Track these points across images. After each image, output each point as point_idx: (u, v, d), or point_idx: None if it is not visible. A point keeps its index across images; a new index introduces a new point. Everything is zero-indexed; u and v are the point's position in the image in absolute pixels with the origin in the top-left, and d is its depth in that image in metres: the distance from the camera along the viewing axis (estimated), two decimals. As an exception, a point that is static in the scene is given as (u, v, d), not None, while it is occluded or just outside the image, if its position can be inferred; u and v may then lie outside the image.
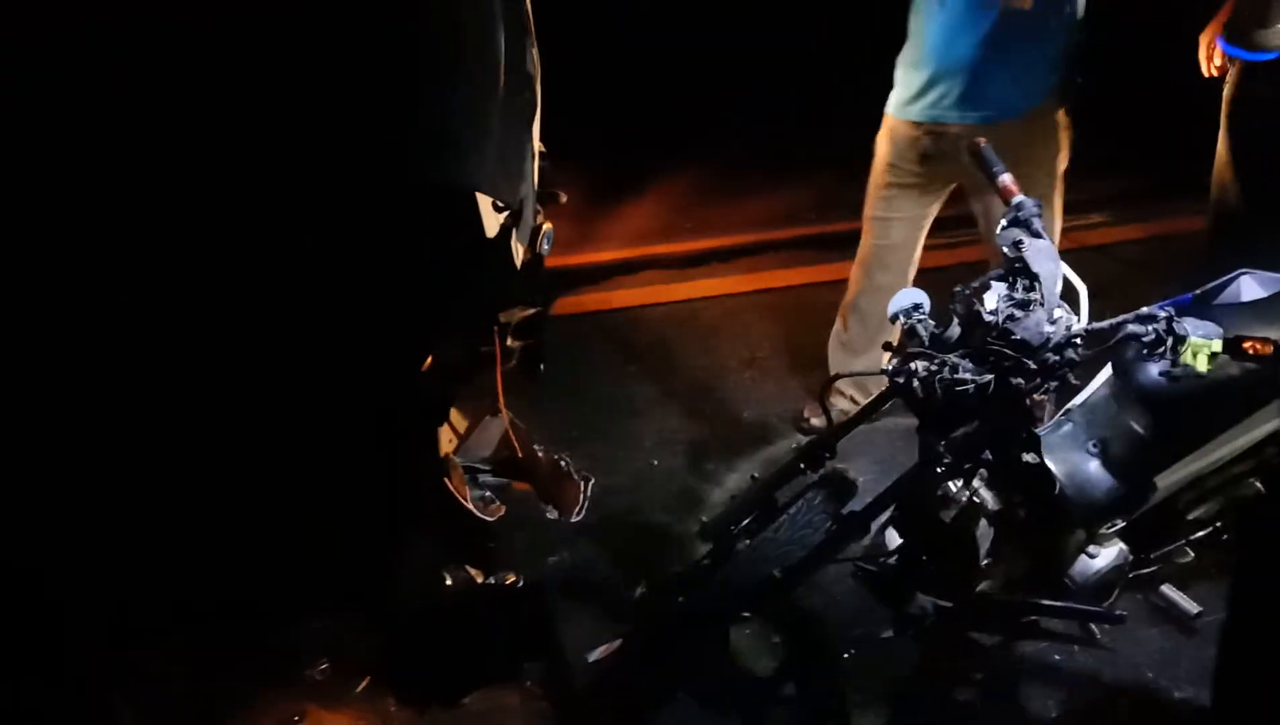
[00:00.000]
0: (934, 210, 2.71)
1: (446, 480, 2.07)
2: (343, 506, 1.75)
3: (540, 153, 2.23)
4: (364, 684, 2.06)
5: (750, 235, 4.07)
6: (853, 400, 2.79)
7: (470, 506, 2.12)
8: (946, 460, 1.80)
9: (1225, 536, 2.25)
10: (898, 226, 2.69)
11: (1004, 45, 2.40)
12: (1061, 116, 2.55)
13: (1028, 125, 2.48)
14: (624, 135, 4.56)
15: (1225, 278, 1.74)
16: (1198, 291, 1.73)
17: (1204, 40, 2.67)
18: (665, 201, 4.41)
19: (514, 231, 1.72)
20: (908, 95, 2.55)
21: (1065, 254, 1.79)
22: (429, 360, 1.71)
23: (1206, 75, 2.67)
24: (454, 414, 2.04)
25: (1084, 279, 1.77)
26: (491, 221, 1.58)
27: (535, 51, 1.78)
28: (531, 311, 1.88)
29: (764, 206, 4.20)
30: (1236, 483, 2.25)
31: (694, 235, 4.15)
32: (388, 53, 1.34)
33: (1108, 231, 4.08)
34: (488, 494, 2.21)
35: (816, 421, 2.87)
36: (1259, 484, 2.28)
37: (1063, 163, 2.60)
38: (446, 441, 2.03)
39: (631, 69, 4.82)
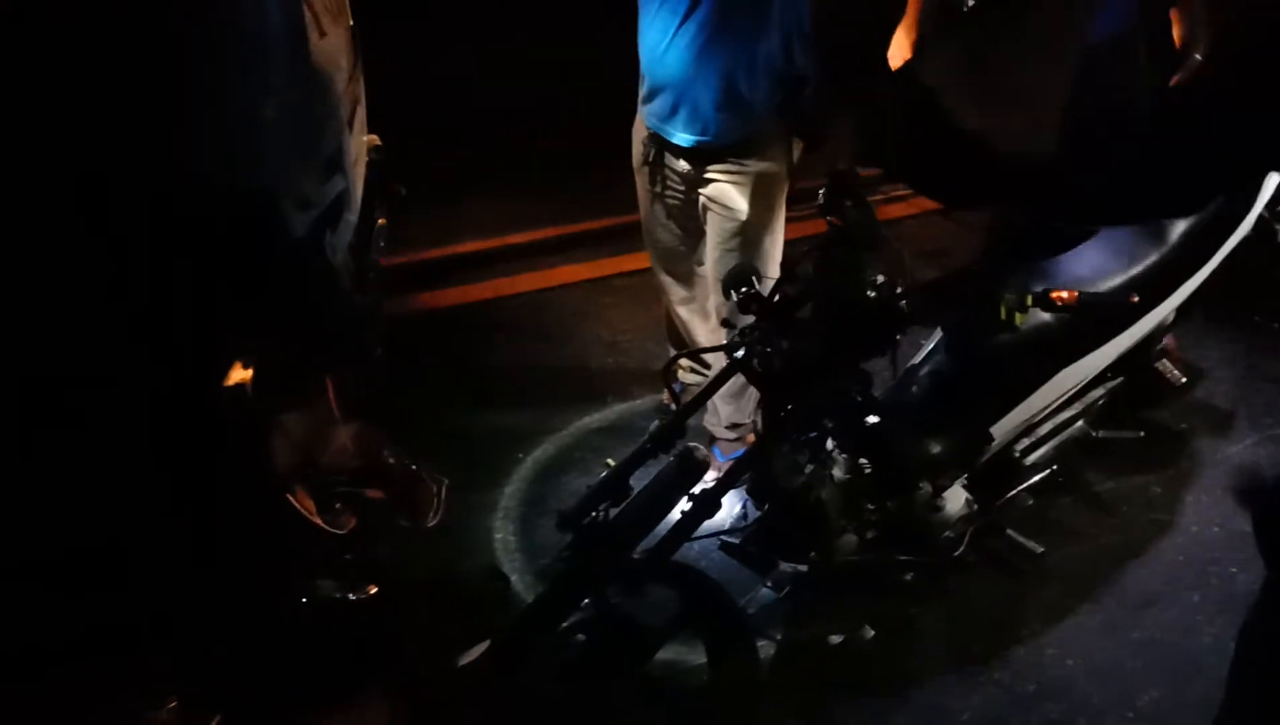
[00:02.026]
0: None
1: (290, 495, 1.98)
2: (143, 531, 1.64)
3: (374, 146, 2.15)
4: (215, 721, 1.95)
5: (606, 220, 4.05)
6: (703, 372, 2.81)
7: (318, 520, 2.04)
8: (790, 429, 1.83)
9: (1060, 479, 2.38)
10: (662, 232, 2.57)
11: (706, 57, 2.22)
12: (781, 154, 2.34)
13: (742, 155, 2.31)
14: (473, 126, 4.49)
15: (1039, 234, 1.84)
16: (1012, 248, 1.81)
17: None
18: (519, 190, 4.36)
19: (331, 231, 1.64)
20: (642, 95, 2.43)
21: (906, 219, 1.86)
22: (243, 372, 1.61)
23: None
24: (293, 424, 1.95)
25: (922, 241, 1.83)
26: (298, 222, 1.50)
27: (352, 43, 1.71)
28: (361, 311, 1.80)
29: (618, 191, 4.20)
30: (1066, 427, 2.39)
31: (550, 223, 4.12)
32: (141, 50, 1.25)
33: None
34: (338, 506, 2.13)
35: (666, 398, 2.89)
36: (1089, 427, 2.42)
37: (779, 207, 2.42)
38: (285, 454, 1.94)
39: (483, 60, 4.75)
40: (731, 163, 2.32)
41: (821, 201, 1.80)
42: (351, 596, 2.15)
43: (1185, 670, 2.14)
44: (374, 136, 2.16)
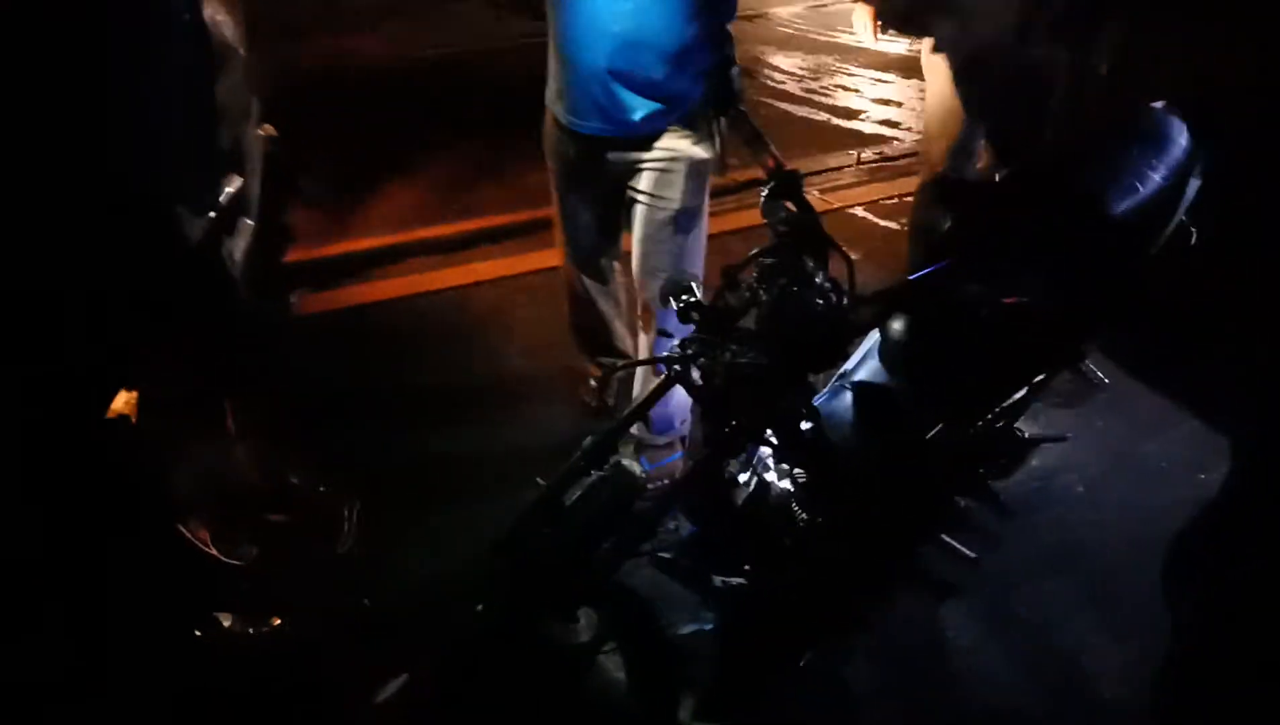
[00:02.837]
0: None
1: (181, 528, 1.80)
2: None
3: (270, 137, 1.96)
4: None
5: (518, 214, 3.89)
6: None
7: (213, 551, 1.86)
8: (734, 447, 1.74)
9: (992, 483, 2.36)
10: (581, 230, 2.48)
11: (632, 45, 2.11)
12: (708, 140, 2.24)
13: (671, 142, 2.23)
14: (383, 116, 4.27)
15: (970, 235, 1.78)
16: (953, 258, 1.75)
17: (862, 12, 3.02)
18: (428, 183, 4.16)
19: (229, 235, 1.47)
20: (555, 89, 2.32)
21: (834, 214, 1.77)
22: (126, 398, 1.43)
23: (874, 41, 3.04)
24: (187, 450, 1.76)
25: (854, 240, 1.75)
26: (192, 227, 1.33)
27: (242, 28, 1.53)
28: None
29: (532, 183, 4.04)
30: (996, 428, 2.36)
31: (460, 217, 3.94)
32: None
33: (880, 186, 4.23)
34: (239, 534, 1.95)
35: (595, 403, 2.77)
36: (1022, 433, 2.40)
37: (706, 194, 2.33)
38: (179, 483, 1.75)
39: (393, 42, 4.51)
40: (660, 150, 2.24)
41: (763, 205, 1.71)
42: (252, 630, 1.98)
43: (1110, 676, 2.14)
44: (269, 126, 1.98)
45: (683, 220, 2.31)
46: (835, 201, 4.03)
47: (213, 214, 1.37)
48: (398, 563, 2.23)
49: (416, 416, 2.78)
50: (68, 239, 1.18)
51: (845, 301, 1.62)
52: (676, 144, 2.24)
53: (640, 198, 2.31)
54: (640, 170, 2.28)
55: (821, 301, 1.59)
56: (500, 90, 4.26)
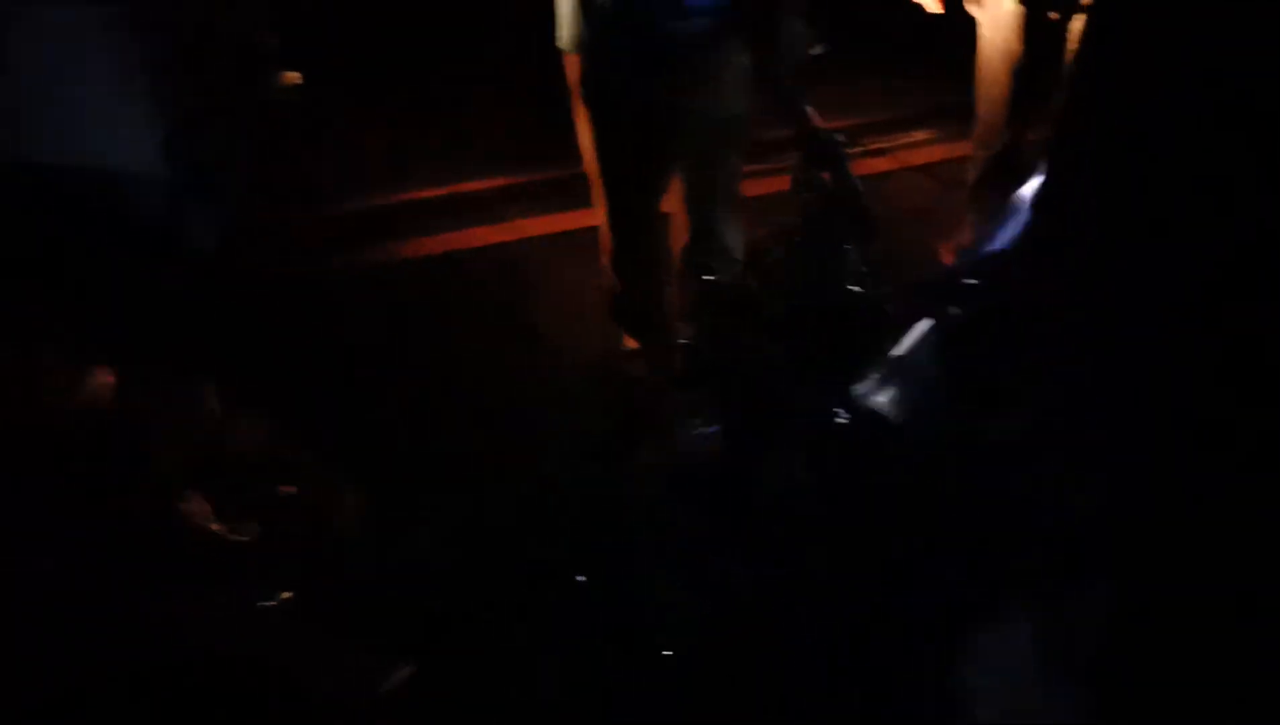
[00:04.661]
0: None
1: (181, 505, 1.73)
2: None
3: (293, 85, 1.86)
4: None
5: (563, 170, 3.73)
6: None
7: (214, 526, 1.79)
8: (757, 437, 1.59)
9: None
10: (626, 169, 2.35)
11: None
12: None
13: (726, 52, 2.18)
14: (439, 61, 4.11)
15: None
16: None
17: None
18: (473, 136, 4.02)
19: (201, 203, 1.35)
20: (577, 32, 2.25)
21: (887, 176, 1.59)
22: (101, 379, 1.35)
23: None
24: (172, 426, 1.69)
25: (905, 202, 1.56)
26: (141, 201, 1.22)
27: None
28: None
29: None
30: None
31: (519, 170, 3.79)
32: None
33: (932, 150, 3.94)
34: (241, 510, 1.88)
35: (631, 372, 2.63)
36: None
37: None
38: (167, 459, 1.68)
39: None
40: (717, 60, 2.15)
41: (795, 173, 1.52)
42: (259, 605, 1.92)
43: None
44: (293, 74, 1.86)
45: (735, 129, 2.23)
46: (889, 164, 3.76)
47: (178, 179, 1.25)
48: (411, 539, 2.14)
49: (449, 378, 2.68)
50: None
51: (887, 291, 1.44)
52: (732, 54, 2.15)
53: (696, 113, 2.19)
54: (698, 84, 2.17)
55: (858, 290, 1.41)
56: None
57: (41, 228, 1.12)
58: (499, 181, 3.71)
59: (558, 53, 2.47)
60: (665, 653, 1.71)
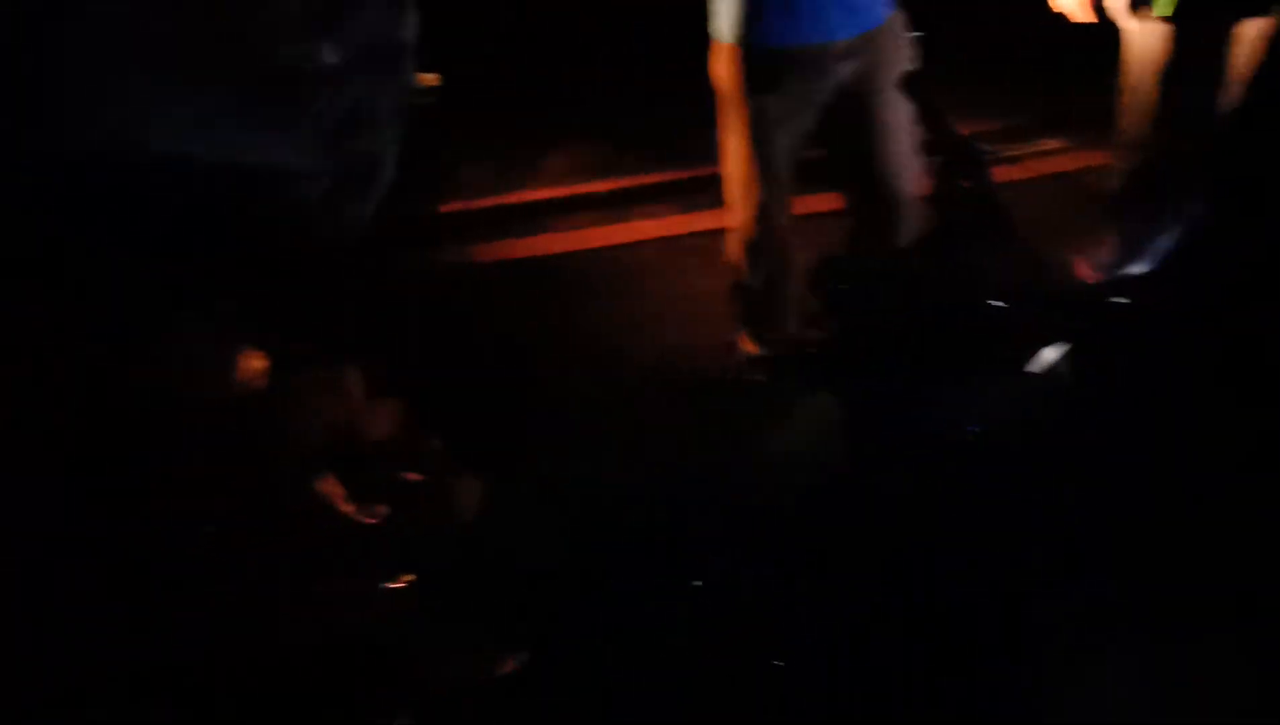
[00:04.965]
0: None
1: (318, 483, 1.81)
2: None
3: (429, 87, 1.92)
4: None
5: (683, 171, 3.75)
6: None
7: (347, 509, 1.87)
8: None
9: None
10: (786, 163, 2.36)
11: None
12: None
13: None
14: (555, 59, 4.19)
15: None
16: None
17: None
18: (597, 135, 4.07)
19: (352, 201, 1.41)
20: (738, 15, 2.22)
21: (1018, 185, 1.54)
22: (257, 362, 1.42)
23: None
24: (318, 410, 1.77)
25: (1037, 212, 1.51)
26: (298, 196, 1.28)
27: None
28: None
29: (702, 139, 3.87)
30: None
31: (632, 171, 3.83)
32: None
33: (1062, 159, 3.79)
34: (372, 493, 1.96)
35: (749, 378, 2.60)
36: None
37: None
38: (310, 441, 1.76)
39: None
40: (890, 40, 2.20)
41: (936, 181, 1.49)
42: (383, 587, 1.99)
43: None
44: (431, 75, 1.93)
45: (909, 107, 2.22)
46: (1020, 172, 3.63)
47: (334, 174, 1.31)
48: (530, 536, 2.18)
49: (563, 378, 2.72)
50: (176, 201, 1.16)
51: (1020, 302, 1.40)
52: (900, 32, 2.20)
53: (876, 95, 2.20)
54: (876, 67, 2.19)
55: (992, 307, 1.38)
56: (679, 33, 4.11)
57: (213, 218, 1.20)
58: (619, 182, 3.74)
59: (686, 49, 2.48)
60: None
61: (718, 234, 3.41)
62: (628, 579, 1.93)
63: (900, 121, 2.22)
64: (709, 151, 3.78)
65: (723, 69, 2.26)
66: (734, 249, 2.47)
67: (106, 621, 1.64)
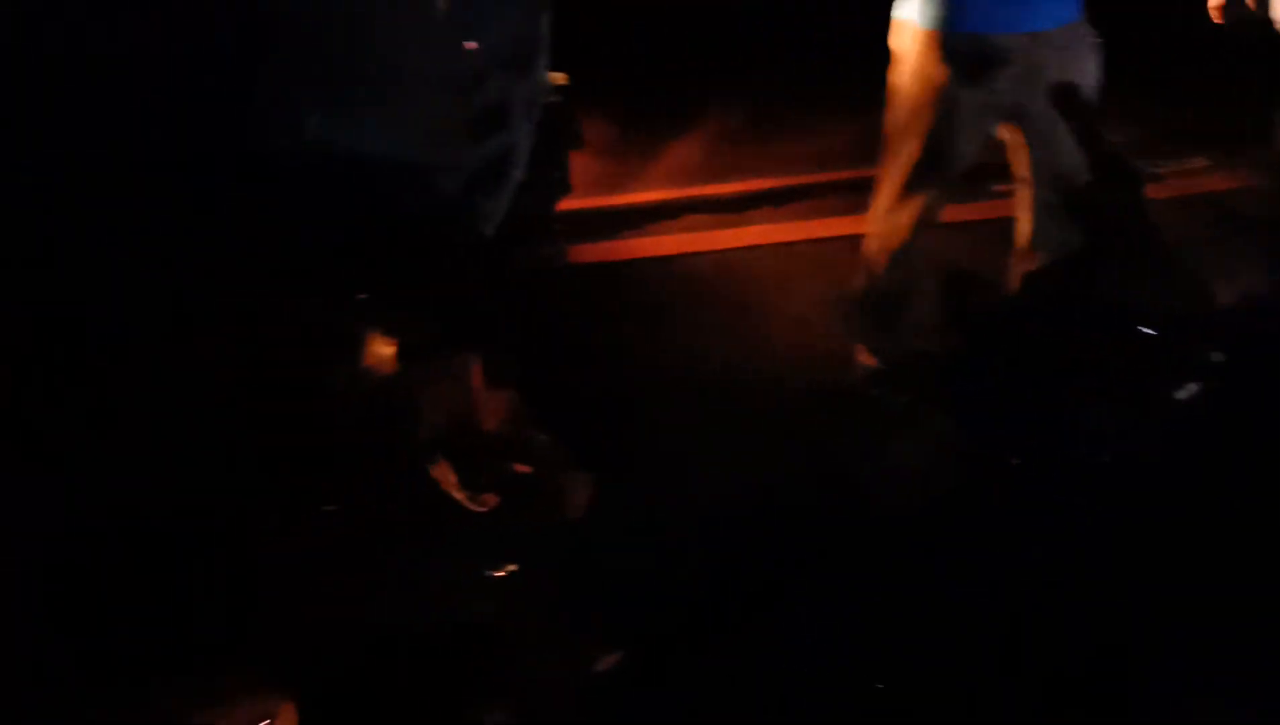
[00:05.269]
0: None
1: (433, 469, 1.85)
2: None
3: (558, 87, 1.94)
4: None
5: (809, 176, 3.70)
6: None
7: (458, 496, 1.90)
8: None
9: None
10: (960, 158, 2.26)
11: None
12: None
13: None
14: (669, 60, 4.20)
15: None
16: None
17: None
18: (713, 136, 4.04)
19: (485, 195, 1.44)
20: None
21: (1164, 204, 1.46)
22: (385, 346, 1.46)
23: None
24: (437, 396, 1.81)
25: (1184, 234, 1.44)
26: (441, 187, 1.30)
27: None
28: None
29: (828, 142, 3.79)
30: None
31: (744, 175, 3.80)
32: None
33: (1208, 178, 3.59)
34: (481, 482, 1.99)
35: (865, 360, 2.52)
36: None
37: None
38: (428, 427, 1.80)
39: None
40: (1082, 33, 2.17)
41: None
42: (489, 574, 2.02)
43: None
44: (560, 75, 1.95)
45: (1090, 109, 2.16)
46: (1166, 191, 3.45)
47: (471, 169, 1.33)
48: (626, 537, 2.18)
49: (665, 384, 2.71)
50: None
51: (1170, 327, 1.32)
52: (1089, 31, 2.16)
53: (1062, 95, 2.11)
54: (1070, 63, 2.14)
55: (1147, 331, 1.31)
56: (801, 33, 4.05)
57: (357, 210, 1.24)
58: (733, 187, 3.72)
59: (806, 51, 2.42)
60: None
61: (830, 242, 3.38)
62: (726, 587, 1.90)
63: (1079, 124, 2.10)
64: (823, 158, 3.75)
65: (913, 57, 2.16)
66: (875, 252, 2.37)
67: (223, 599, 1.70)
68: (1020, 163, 2.22)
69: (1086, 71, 2.16)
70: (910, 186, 2.25)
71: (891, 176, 2.29)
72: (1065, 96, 2.09)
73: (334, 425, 1.67)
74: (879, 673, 1.73)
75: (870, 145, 3.59)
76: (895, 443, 1.63)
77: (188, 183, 1.23)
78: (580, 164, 3.39)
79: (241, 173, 1.17)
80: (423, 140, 1.22)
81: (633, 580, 2.06)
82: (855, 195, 3.50)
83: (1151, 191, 3.34)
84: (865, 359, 2.52)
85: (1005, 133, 2.22)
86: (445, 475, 1.87)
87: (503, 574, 2.01)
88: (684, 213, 3.61)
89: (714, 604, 1.78)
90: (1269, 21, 2.51)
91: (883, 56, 2.32)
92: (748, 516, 1.81)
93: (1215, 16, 2.59)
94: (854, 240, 3.33)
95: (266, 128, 1.17)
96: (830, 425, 2.42)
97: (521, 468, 2.05)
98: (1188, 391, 1.73)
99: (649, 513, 2.21)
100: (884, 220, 2.33)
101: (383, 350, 1.50)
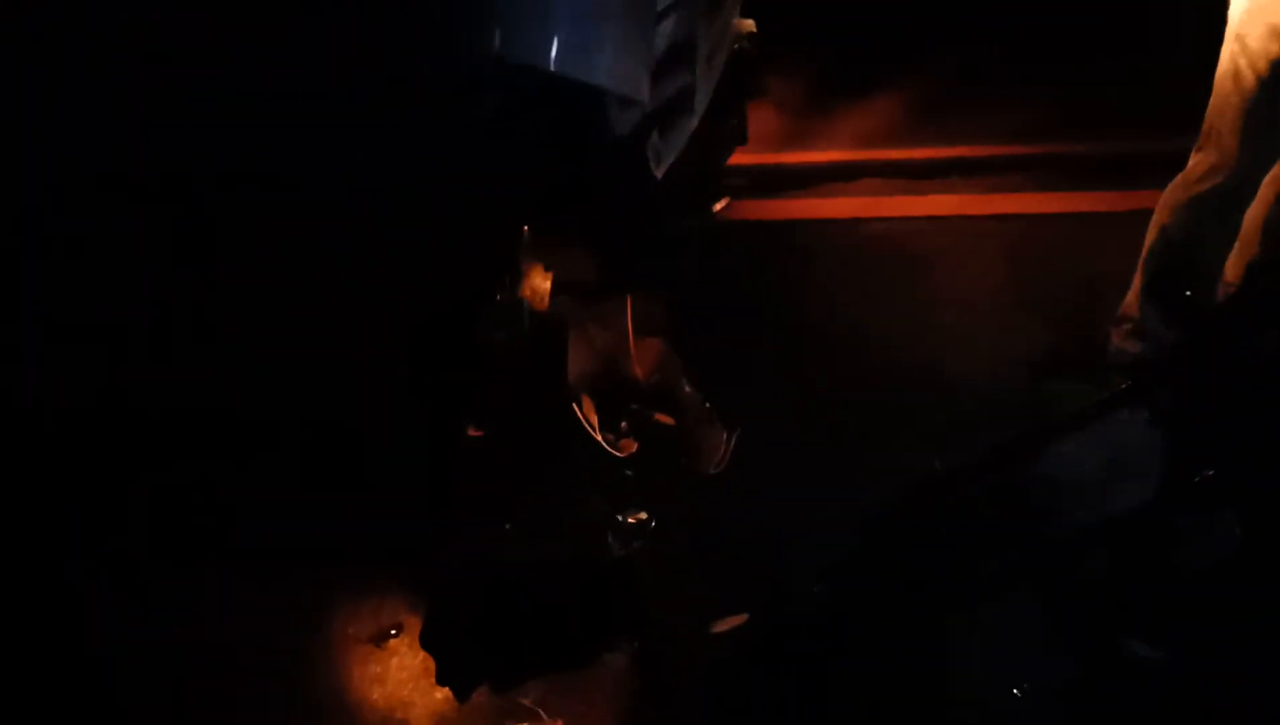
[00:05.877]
0: None
1: (575, 407, 1.86)
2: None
3: (747, 34, 1.88)
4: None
5: (1000, 147, 3.45)
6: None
7: (599, 437, 1.91)
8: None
9: None
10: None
11: None
12: None
13: None
14: (873, 16, 4.00)
15: None
16: None
17: None
18: (910, 98, 3.83)
19: (660, 135, 1.40)
20: None
21: None
22: (541, 280, 1.46)
23: None
24: (588, 337, 1.81)
25: None
26: (617, 122, 1.27)
27: None
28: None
29: (1038, 112, 3.53)
30: None
31: (931, 141, 3.59)
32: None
33: None
34: (624, 426, 1.99)
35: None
36: None
37: None
38: (577, 365, 1.81)
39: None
40: None
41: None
42: (621, 518, 2.03)
43: None
44: (748, 21, 1.88)
45: None
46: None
47: (644, 110, 1.30)
48: (764, 499, 2.14)
49: (824, 348, 2.63)
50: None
51: None
52: None
53: None
54: None
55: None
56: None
57: (535, 135, 1.23)
58: (925, 152, 3.52)
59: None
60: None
61: (1015, 220, 3.17)
62: (860, 574, 1.83)
63: None
64: (1026, 129, 3.48)
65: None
66: (1172, 218, 2.15)
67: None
68: None
69: None
70: (1232, 153, 2.05)
71: (1215, 136, 2.11)
72: None
73: (486, 356, 1.69)
74: (1020, 678, 1.64)
75: (1080, 119, 3.34)
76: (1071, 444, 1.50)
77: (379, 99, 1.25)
78: (761, 116, 3.31)
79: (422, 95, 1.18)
80: (608, 69, 1.20)
81: (764, 546, 2.02)
82: (1049, 172, 3.30)
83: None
84: (1124, 343, 2.31)
85: None
86: (588, 416, 1.88)
87: (634, 522, 2.02)
88: (863, 176, 3.46)
89: (846, 590, 1.72)
90: None
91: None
92: (894, 502, 1.72)
93: None
94: (1038, 220, 3.14)
95: (459, 48, 1.17)
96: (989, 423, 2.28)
97: (664, 418, 2.04)
98: None
99: (790, 478, 2.16)
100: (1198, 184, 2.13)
101: (540, 284, 1.50)
